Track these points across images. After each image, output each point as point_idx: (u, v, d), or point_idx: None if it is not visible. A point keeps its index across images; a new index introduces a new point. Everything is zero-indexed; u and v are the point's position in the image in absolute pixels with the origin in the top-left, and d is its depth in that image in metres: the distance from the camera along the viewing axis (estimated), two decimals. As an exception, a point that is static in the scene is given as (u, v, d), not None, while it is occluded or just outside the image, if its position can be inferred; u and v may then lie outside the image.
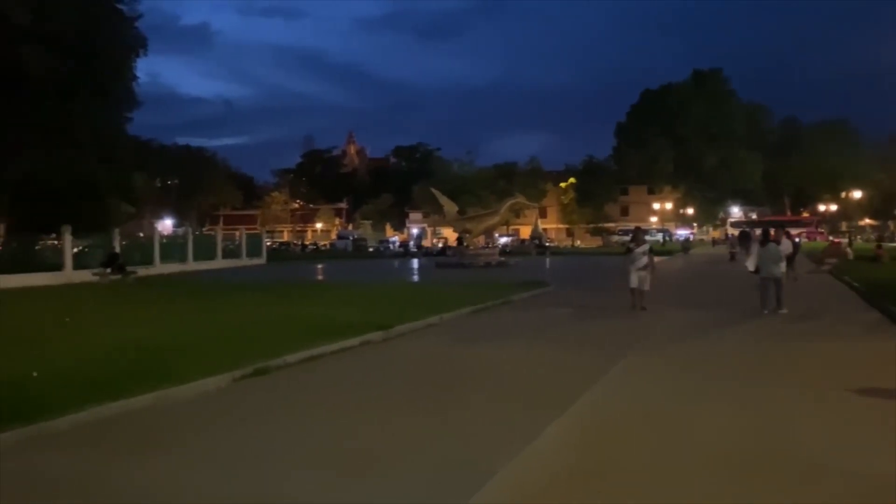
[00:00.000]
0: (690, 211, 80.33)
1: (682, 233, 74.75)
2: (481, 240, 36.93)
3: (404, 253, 57.47)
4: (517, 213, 49.87)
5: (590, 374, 8.41)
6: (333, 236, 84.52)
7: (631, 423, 6.44)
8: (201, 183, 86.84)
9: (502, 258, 35.78)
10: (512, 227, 75.66)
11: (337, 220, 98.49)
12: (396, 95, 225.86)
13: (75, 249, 26.23)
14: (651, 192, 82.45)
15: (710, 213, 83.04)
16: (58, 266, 25.30)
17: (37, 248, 26.62)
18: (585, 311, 15.36)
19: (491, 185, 72.83)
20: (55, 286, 22.81)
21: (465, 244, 36.66)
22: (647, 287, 14.87)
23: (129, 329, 11.97)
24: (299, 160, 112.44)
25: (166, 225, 72.28)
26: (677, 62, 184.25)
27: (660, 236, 69.60)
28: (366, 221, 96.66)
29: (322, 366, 9.34)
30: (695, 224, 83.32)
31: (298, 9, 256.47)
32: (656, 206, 79.80)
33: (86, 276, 24.55)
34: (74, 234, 25.91)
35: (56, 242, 26.33)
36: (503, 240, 64.52)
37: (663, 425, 6.36)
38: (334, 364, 9.51)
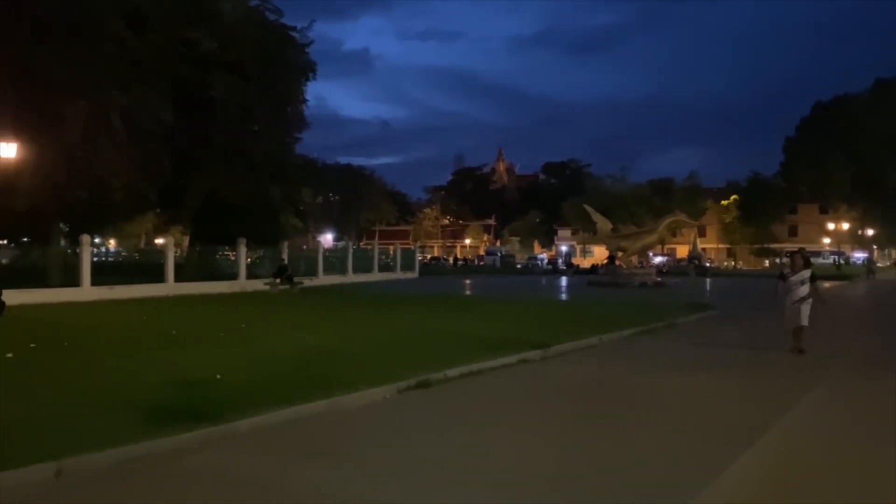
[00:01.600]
0: (870, 232, 73.18)
1: (859, 255, 68.15)
2: (635, 259, 35.64)
3: (553, 270, 56.90)
4: (674, 231, 47.58)
5: (773, 406, 7.73)
6: (482, 252, 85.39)
7: (825, 463, 5.81)
8: (360, 200, 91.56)
9: (659, 278, 34.37)
10: (667, 246, 72.62)
11: (485, 237, 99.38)
12: (547, 112, 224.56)
13: (248, 260, 28.24)
14: (824, 211, 76.11)
15: (893, 235, 75.21)
16: (233, 275, 27.34)
17: (216, 258, 28.89)
18: (758, 336, 14.25)
19: (646, 201, 70.41)
20: (230, 294, 24.64)
21: (616, 262, 35.54)
22: (804, 322, 11.79)
23: (300, 336, 12.63)
24: (450, 177, 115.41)
25: (328, 239, 76.32)
26: (850, 72, 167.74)
27: (832, 259, 63.91)
28: (514, 238, 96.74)
29: (481, 382, 9.27)
30: (875, 246, 75.68)
31: (452, 31, 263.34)
32: (830, 226, 73.45)
33: (257, 284, 26.36)
34: (248, 246, 27.91)
35: (230, 254, 28.44)
36: (657, 259, 62.06)
37: (864, 469, 5.66)
38: (493, 381, 9.40)
